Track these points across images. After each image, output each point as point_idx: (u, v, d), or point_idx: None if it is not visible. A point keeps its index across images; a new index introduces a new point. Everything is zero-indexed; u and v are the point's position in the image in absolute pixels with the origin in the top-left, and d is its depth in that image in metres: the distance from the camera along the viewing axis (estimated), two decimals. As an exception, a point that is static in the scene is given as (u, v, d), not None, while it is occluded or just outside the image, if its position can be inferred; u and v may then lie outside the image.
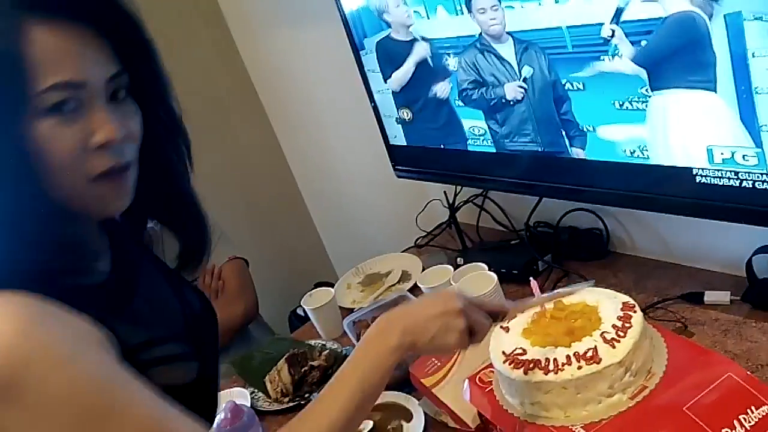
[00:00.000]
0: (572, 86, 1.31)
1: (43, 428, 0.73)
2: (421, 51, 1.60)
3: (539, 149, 1.47)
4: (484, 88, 1.50)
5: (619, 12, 1.14)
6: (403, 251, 2.11)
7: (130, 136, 0.85)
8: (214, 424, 1.44)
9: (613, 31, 1.16)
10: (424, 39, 1.56)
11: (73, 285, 0.82)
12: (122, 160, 0.83)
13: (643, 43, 1.15)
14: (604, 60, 1.22)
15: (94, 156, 0.80)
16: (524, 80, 1.41)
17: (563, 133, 1.40)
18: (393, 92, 1.76)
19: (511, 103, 1.46)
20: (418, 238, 2.14)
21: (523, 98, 1.43)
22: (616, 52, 1.19)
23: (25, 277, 0.77)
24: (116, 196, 0.85)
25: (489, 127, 1.55)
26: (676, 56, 1.11)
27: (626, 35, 1.16)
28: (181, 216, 1.04)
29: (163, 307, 1.01)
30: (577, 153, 1.39)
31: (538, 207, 1.73)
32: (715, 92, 1.09)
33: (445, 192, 2.00)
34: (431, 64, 1.59)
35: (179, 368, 0.92)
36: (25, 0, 0.76)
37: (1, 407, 0.72)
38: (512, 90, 1.44)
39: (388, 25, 1.62)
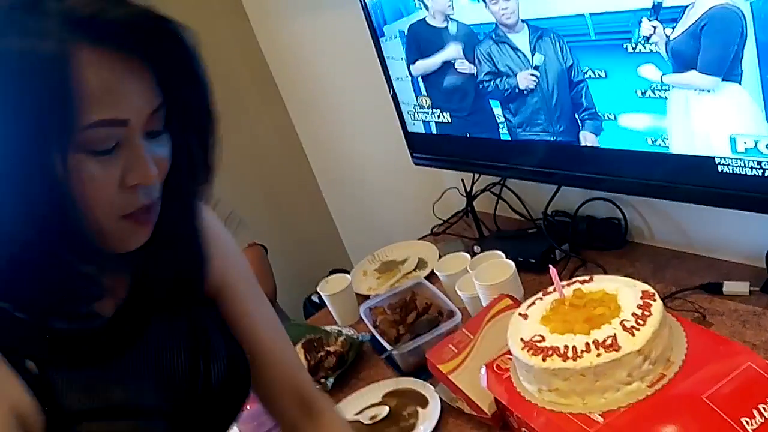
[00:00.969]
0: (593, 74, 1.31)
1: None
2: (452, 51, 1.59)
3: (551, 138, 1.47)
4: (499, 79, 1.50)
5: (657, 6, 1.13)
6: (419, 239, 2.11)
7: (160, 171, 0.79)
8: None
9: (654, 28, 1.15)
10: (460, 25, 1.55)
11: (49, 332, 0.78)
12: (152, 200, 0.79)
13: (674, 32, 1.13)
14: (627, 48, 1.21)
15: (126, 195, 0.76)
16: (536, 68, 1.40)
17: (579, 121, 1.39)
18: (414, 78, 1.76)
19: (525, 92, 1.46)
20: (434, 227, 2.14)
21: (535, 87, 1.43)
22: (644, 40, 1.18)
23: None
24: (140, 233, 0.80)
25: (504, 117, 1.55)
26: (705, 46, 1.10)
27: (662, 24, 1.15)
28: (180, 249, 0.92)
29: (162, 368, 0.90)
30: (593, 141, 1.39)
31: (555, 196, 1.73)
32: (740, 82, 1.08)
33: (462, 180, 2.00)
34: (462, 51, 1.58)
35: None
36: (78, 21, 0.69)
37: None
38: (525, 79, 1.44)
39: (426, 8, 1.59)
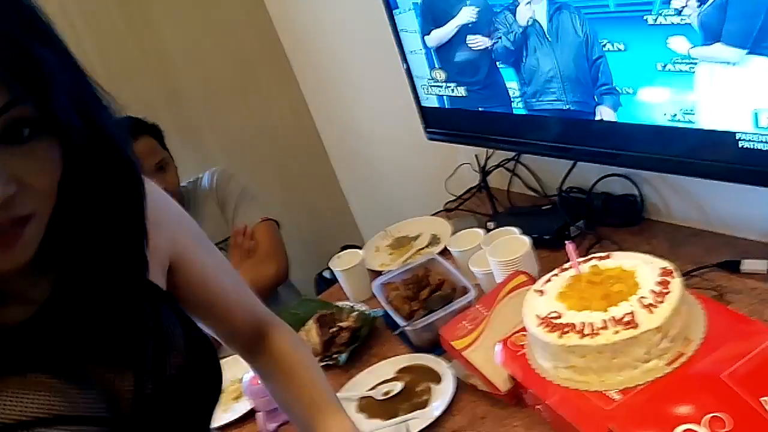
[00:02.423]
0: (612, 47, 1.28)
1: None
2: (466, 14, 1.56)
3: (565, 107, 1.44)
4: (515, 49, 1.48)
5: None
6: (432, 215, 2.10)
7: (29, 186, 0.66)
8: (243, 382, 1.45)
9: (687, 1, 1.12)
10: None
11: None
12: (11, 218, 0.65)
13: (704, 4, 1.11)
14: (647, 20, 1.18)
15: None
16: (554, 40, 1.38)
17: (596, 95, 1.37)
18: (429, 51, 1.73)
19: (540, 62, 1.44)
20: (447, 203, 2.12)
21: (552, 58, 1.40)
22: (676, 12, 1.15)
23: None
24: (6, 255, 0.67)
25: (519, 87, 1.53)
26: (731, 17, 1.07)
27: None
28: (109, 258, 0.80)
29: (96, 384, 0.79)
30: (609, 115, 1.37)
31: (571, 172, 1.71)
32: (766, 54, 1.06)
33: (476, 156, 1.98)
34: (476, 21, 1.55)
35: None
36: None
37: None
38: (539, 49, 1.42)
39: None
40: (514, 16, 1.43)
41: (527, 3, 1.39)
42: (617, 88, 1.32)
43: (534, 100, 1.51)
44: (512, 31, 1.45)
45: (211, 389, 0.93)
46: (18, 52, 0.62)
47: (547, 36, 1.38)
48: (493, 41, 1.52)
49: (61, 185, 0.70)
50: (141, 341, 0.83)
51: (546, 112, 1.51)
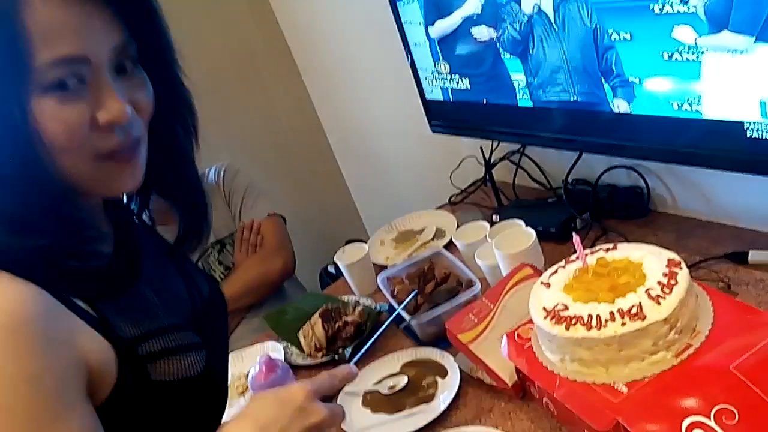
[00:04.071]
0: (618, 36, 1.27)
1: None
2: (471, 1, 1.55)
3: (572, 98, 1.43)
4: (516, 42, 1.47)
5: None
6: (436, 209, 2.09)
7: (140, 110, 0.80)
8: (249, 377, 1.45)
9: None
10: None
11: (73, 269, 0.79)
12: (131, 138, 0.79)
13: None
14: (654, 9, 1.17)
15: (100, 135, 0.76)
16: (560, 30, 1.36)
17: (605, 85, 1.36)
18: (433, 42, 1.72)
19: (547, 53, 1.42)
20: (452, 196, 2.12)
21: (559, 49, 1.39)
22: (681, 2, 1.13)
23: (27, 260, 0.73)
24: (126, 175, 0.81)
25: (525, 79, 1.52)
26: (738, 4, 1.06)
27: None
28: (183, 195, 0.99)
29: (168, 292, 0.97)
30: (620, 106, 1.35)
31: (576, 164, 1.69)
32: (773, 42, 1.05)
33: (481, 148, 1.97)
34: (480, 13, 1.54)
35: (186, 359, 0.88)
36: None
37: None
38: (546, 39, 1.40)
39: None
40: (519, 5, 1.42)
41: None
42: (628, 78, 1.31)
43: (540, 91, 1.50)
44: (518, 21, 1.44)
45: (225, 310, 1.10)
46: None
47: (554, 25, 1.37)
48: (500, 32, 1.51)
49: None
50: (186, 266, 1.04)
51: (553, 103, 1.49)
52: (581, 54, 1.36)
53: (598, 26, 1.29)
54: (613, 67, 1.31)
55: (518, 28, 1.45)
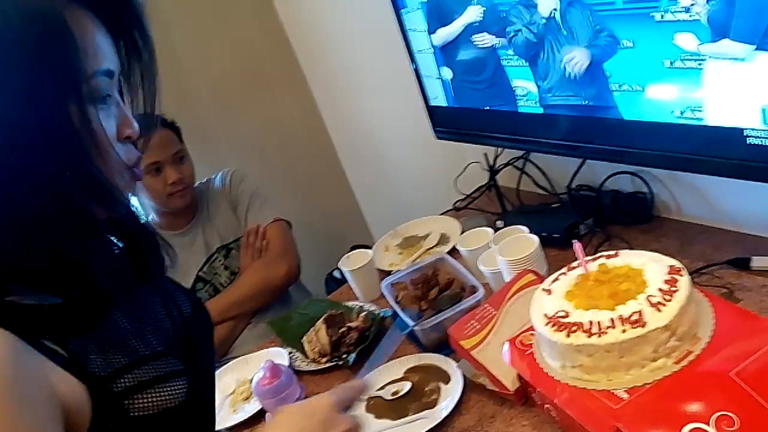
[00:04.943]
0: (621, 44, 1.27)
1: None
2: (473, 13, 1.56)
3: (582, 102, 1.43)
4: (530, 44, 1.47)
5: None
6: (441, 214, 2.09)
7: None
8: (253, 383, 1.45)
9: None
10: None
11: (43, 308, 0.79)
12: (137, 156, 0.85)
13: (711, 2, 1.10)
14: (655, 17, 1.18)
15: (123, 147, 0.82)
16: (569, 35, 1.37)
17: (608, 91, 1.36)
18: (436, 49, 1.73)
19: (555, 59, 1.43)
20: (456, 201, 2.12)
21: (565, 55, 1.40)
22: (684, 10, 1.14)
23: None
24: (132, 188, 0.86)
25: (535, 83, 1.52)
26: (740, 12, 1.07)
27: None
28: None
29: (146, 316, 0.94)
30: (622, 113, 1.36)
31: (580, 170, 1.70)
32: (773, 49, 1.05)
33: (485, 154, 1.98)
34: (482, 20, 1.55)
35: (166, 389, 0.86)
36: None
37: None
38: (555, 44, 1.41)
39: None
40: (534, 8, 1.41)
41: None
42: (628, 85, 1.31)
43: (550, 95, 1.50)
44: (534, 23, 1.43)
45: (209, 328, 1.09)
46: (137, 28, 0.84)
47: (563, 30, 1.37)
48: (510, 35, 1.50)
49: None
50: (165, 284, 1.03)
51: (562, 108, 1.49)
52: (589, 59, 1.36)
53: (604, 33, 1.29)
54: (618, 73, 1.32)
55: (535, 31, 1.44)
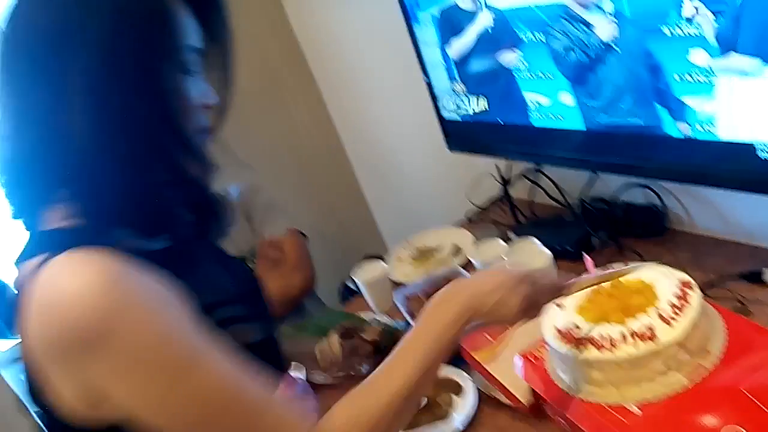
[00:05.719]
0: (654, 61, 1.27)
1: (129, 379, 0.76)
2: (484, 20, 1.57)
3: (641, 122, 1.37)
4: (574, 58, 1.43)
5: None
6: (454, 225, 2.10)
7: None
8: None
9: (697, 9, 1.12)
10: (489, 8, 1.53)
11: (147, 248, 0.86)
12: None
13: (719, 14, 1.10)
14: (664, 30, 1.18)
15: (201, 115, 0.92)
16: (615, 51, 1.34)
17: (657, 105, 1.32)
18: (449, 63, 1.74)
19: (607, 76, 1.39)
20: (469, 213, 2.13)
21: (612, 68, 1.37)
22: (687, 23, 1.15)
23: (110, 235, 0.83)
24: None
25: (578, 99, 1.48)
26: (747, 28, 1.07)
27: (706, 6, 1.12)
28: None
29: (222, 270, 1.05)
30: (685, 129, 1.29)
31: (594, 182, 1.70)
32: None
33: (497, 166, 1.99)
34: (495, 34, 1.56)
35: (246, 328, 0.95)
36: None
37: (89, 358, 0.75)
38: (602, 60, 1.38)
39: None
40: (586, 27, 1.36)
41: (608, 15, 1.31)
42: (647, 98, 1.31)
43: (604, 114, 1.44)
44: (588, 45, 1.38)
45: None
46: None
47: (616, 47, 1.33)
48: (565, 51, 1.45)
49: None
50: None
51: (621, 129, 1.42)
52: (636, 76, 1.33)
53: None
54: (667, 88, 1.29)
55: (590, 53, 1.39)
